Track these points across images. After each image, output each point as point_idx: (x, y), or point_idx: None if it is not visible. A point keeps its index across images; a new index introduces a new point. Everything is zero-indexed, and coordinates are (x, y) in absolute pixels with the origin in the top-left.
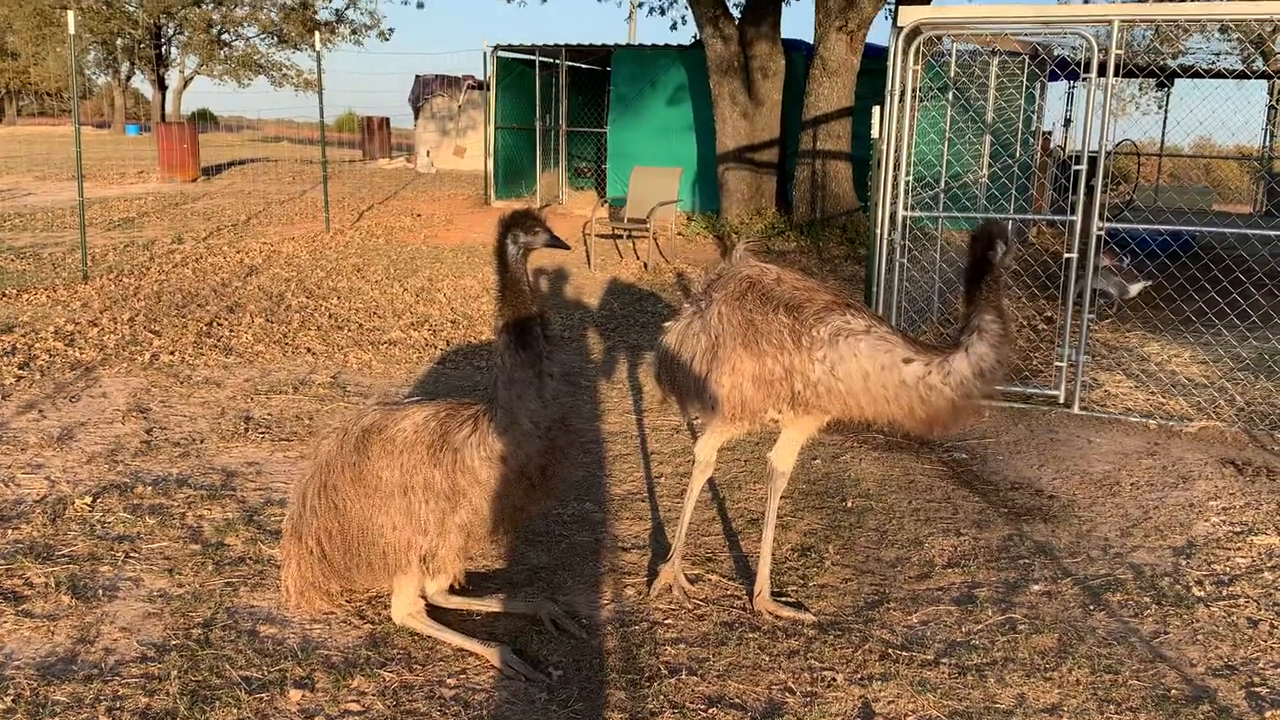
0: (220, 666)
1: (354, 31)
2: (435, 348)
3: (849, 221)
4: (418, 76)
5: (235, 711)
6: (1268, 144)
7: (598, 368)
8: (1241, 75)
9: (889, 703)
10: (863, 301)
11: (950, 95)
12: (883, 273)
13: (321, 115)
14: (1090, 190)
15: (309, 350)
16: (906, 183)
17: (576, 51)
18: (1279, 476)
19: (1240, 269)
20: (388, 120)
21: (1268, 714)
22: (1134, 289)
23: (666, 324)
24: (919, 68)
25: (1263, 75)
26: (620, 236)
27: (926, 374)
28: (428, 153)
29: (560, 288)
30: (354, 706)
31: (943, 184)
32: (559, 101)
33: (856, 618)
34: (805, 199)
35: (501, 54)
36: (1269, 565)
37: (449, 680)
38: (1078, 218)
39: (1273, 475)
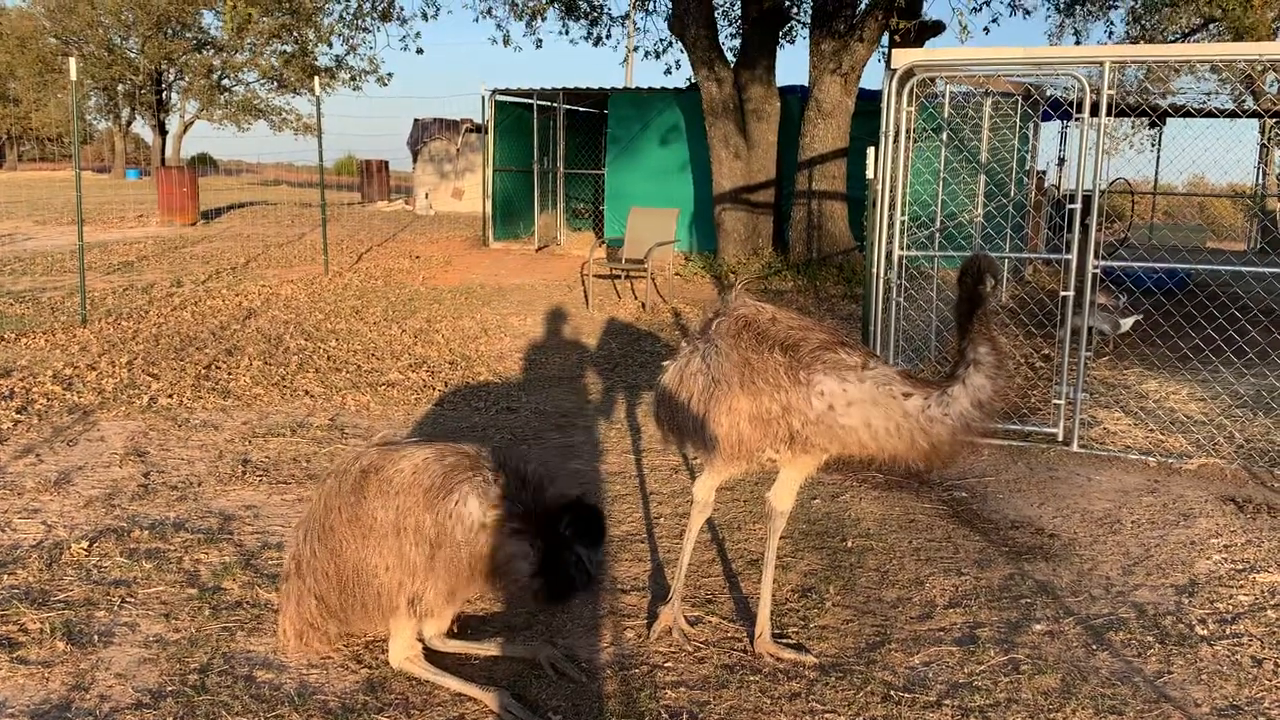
0: (217, 713)
1: (353, 77)
2: (434, 389)
3: (845, 261)
4: (416, 120)
5: None
6: (1260, 182)
7: (596, 407)
8: (1233, 114)
9: None
10: (858, 340)
11: (944, 135)
12: (879, 312)
13: (321, 159)
14: (1085, 228)
15: (307, 393)
16: (902, 222)
17: (574, 94)
18: None
19: (1236, 306)
20: (386, 163)
21: None
22: (1125, 323)
23: (666, 363)
24: (913, 109)
25: (1253, 114)
26: (618, 277)
27: (926, 407)
28: (426, 195)
29: (559, 328)
30: None
31: (938, 223)
32: (556, 144)
33: (858, 659)
34: (801, 239)
35: (500, 97)
36: (1272, 603)
37: None
38: (1073, 256)
39: (1274, 512)
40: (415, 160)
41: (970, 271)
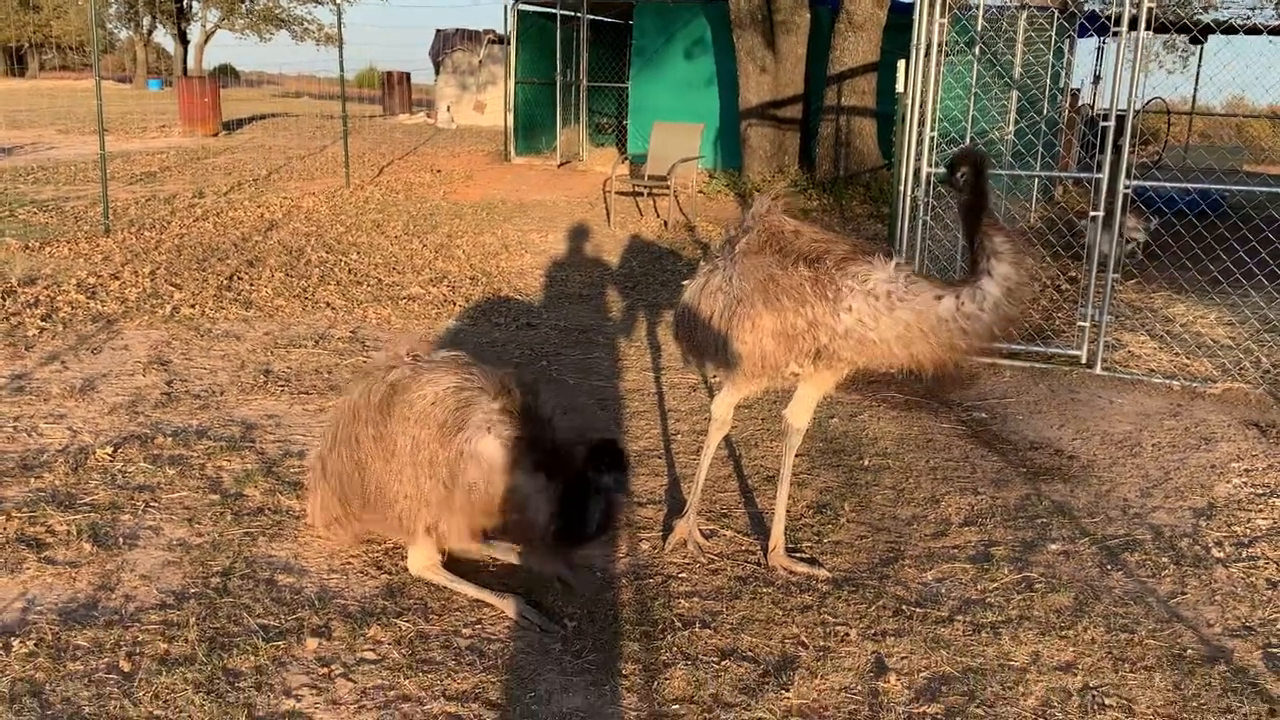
0: (238, 615)
1: None
2: (454, 304)
3: (873, 179)
4: (439, 31)
5: (253, 659)
6: None
7: (616, 325)
8: (1276, 30)
9: (902, 658)
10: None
11: (977, 50)
12: (905, 230)
13: (342, 70)
14: (1118, 148)
15: (328, 305)
16: (931, 139)
17: (598, 4)
18: None
19: (1270, 229)
20: (408, 75)
21: None
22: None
23: (685, 282)
24: (945, 21)
25: None
26: (640, 194)
27: (960, 304)
28: (448, 108)
29: (580, 245)
30: (370, 655)
31: (969, 140)
32: (580, 56)
33: (871, 574)
34: (829, 156)
35: (523, 7)
36: None
37: (464, 630)
38: (1104, 176)
39: None
40: (437, 72)
41: (973, 162)
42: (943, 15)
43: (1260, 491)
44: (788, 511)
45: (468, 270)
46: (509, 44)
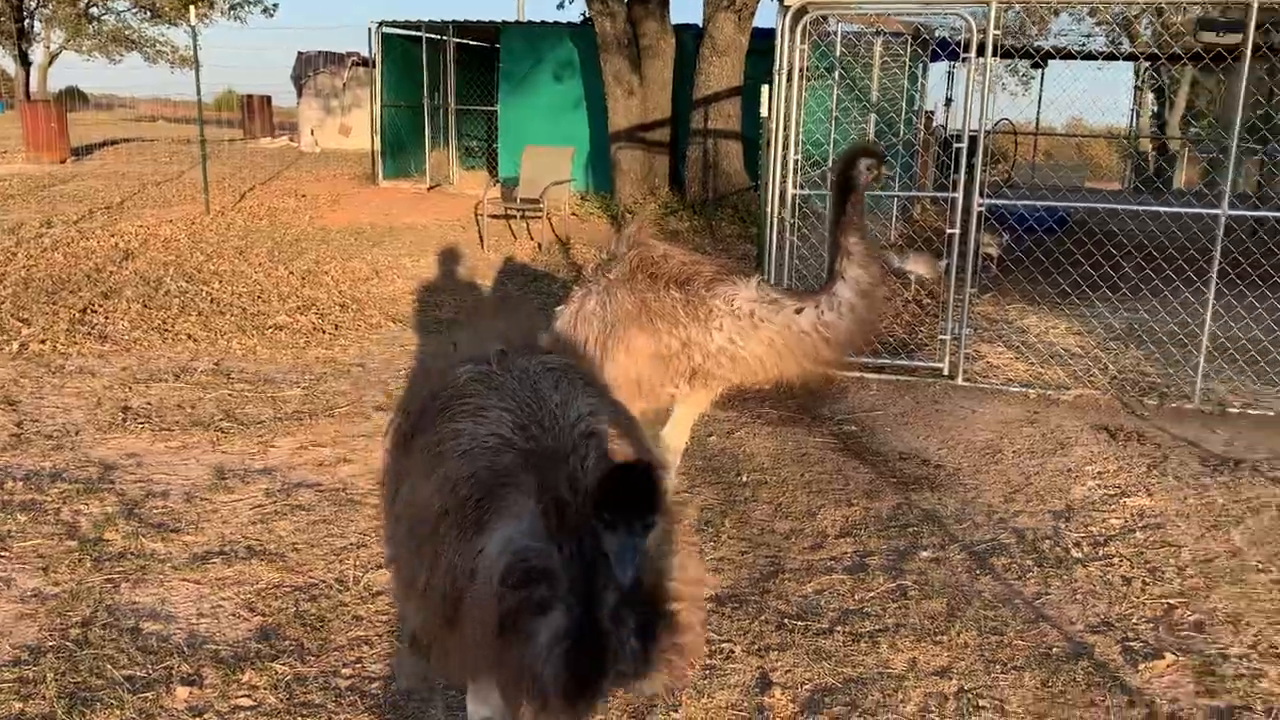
0: (101, 667)
1: (234, 7)
2: (324, 332)
3: (741, 200)
4: (300, 53)
5: (118, 712)
6: (1134, 124)
7: None
8: (1110, 56)
9: (786, 672)
10: (749, 269)
11: (836, 75)
12: (774, 250)
13: (199, 93)
14: (970, 168)
15: (190, 337)
16: (795, 161)
17: (464, 28)
18: (1148, 441)
19: (1111, 243)
20: (269, 99)
21: (1142, 667)
22: (943, 264)
23: (558, 309)
24: (805, 47)
25: (1130, 57)
26: (513, 216)
27: (819, 314)
28: (312, 131)
29: (454, 269)
30: (245, 702)
31: (831, 162)
32: (447, 79)
33: (753, 589)
34: (698, 178)
35: (387, 30)
36: (1140, 525)
37: (344, 670)
38: (959, 195)
39: (1143, 440)
40: (300, 95)
41: (845, 157)
42: (803, 41)
43: (1112, 493)
44: None
45: (337, 297)
46: (374, 67)
